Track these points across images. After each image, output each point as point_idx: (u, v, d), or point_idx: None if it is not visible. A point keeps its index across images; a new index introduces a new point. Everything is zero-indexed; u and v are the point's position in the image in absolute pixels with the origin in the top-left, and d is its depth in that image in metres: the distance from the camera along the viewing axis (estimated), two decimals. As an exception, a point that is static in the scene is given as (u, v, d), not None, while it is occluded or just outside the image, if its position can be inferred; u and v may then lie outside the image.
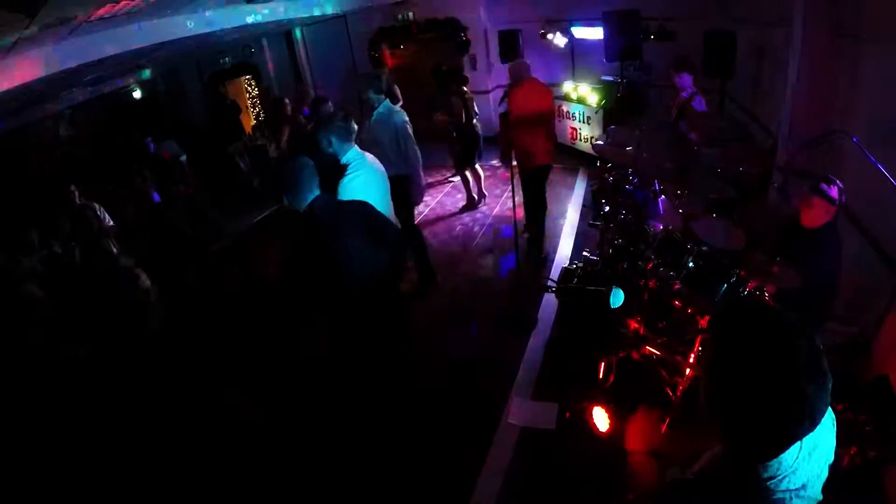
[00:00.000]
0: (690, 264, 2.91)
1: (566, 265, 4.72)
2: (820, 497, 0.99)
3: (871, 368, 2.71)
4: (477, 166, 6.30)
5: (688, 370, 2.88)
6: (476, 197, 6.50)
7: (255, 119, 10.06)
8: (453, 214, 6.38)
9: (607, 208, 4.09)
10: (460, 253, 5.45)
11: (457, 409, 3.33)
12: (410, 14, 8.43)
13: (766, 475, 0.92)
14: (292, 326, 4.14)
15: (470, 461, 2.95)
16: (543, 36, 7.48)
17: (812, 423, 0.84)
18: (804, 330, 0.86)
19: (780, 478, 0.92)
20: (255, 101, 10.24)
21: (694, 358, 2.88)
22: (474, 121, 6.02)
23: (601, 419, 2.83)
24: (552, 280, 4.55)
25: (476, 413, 3.29)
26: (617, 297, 3.05)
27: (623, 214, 3.85)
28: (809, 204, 2.61)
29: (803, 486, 0.94)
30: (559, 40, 7.35)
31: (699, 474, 1.04)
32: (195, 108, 9.08)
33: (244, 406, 3.55)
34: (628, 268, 3.56)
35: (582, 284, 4.03)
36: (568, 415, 3.08)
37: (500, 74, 8.43)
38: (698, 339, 2.88)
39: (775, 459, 0.91)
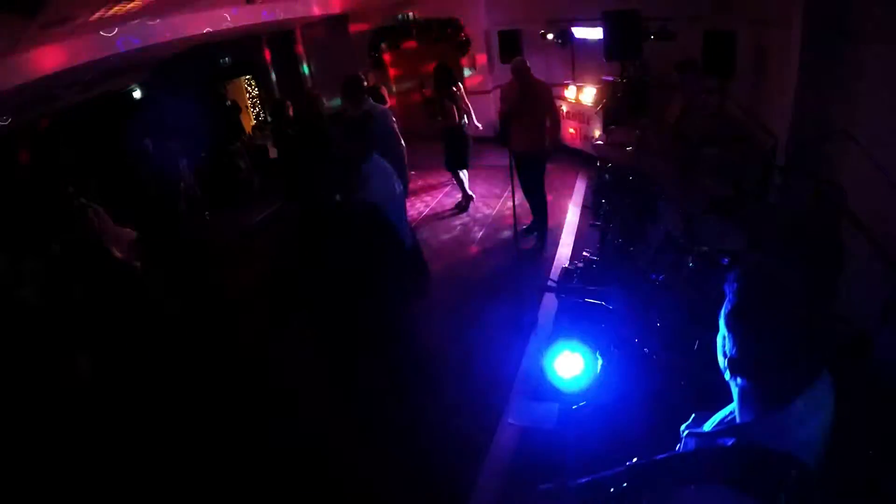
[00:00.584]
0: (690, 264, 2.91)
1: (566, 265, 4.73)
2: (822, 459, 1.06)
3: (871, 368, 2.71)
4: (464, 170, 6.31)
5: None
6: (473, 197, 6.51)
7: (255, 119, 10.06)
8: (453, 214, 6.39)
9: (607, 208, 4.10)
10: (460, 252, 5.45)
11: (457, 409, 3.32)
12: (410, 14, 8.43)
13: (779, 418, 1.01)
14: (291, 325, 4.14)
15: (470, 461, 2.95)
16: (543, 36, 7.48)
17: (816, 362, 0.99)
18: (805, 284, 1.00)
19: (792, 424, 1.00)
20: (255, 101, 10.23)
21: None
22: (465, 121, 5.99)
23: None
24: (552, 280, 4.56)
25: (476, 413, 3.29)
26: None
27: (623, 214, 3.85)
28: (817, 208, 2.63)
29: (811, 440, 1.02)
30: (559, 40, 7.35)
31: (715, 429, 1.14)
32: (195, 108, 9.06)
33: (241, 408, 3.54)
34: (628, 268, 3.56)
35: (582, 284, 4.04)
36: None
37: (501, 74, 8.44)
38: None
39: (787, 406, 1.00)
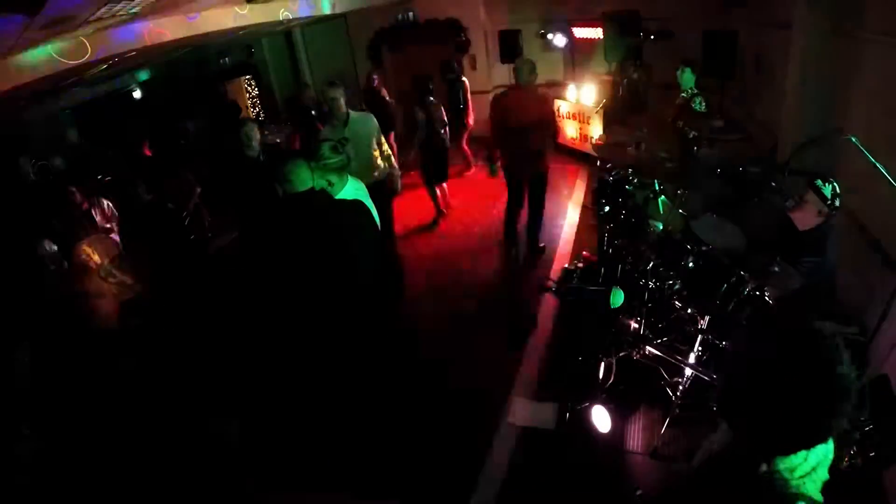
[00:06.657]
0: (690, 264, 2.91)
1: (566, 265, 4.74)
2: (827, 476, 1.02)
3: (870, 368, 2.71)
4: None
5: (688, 370, 2.88)
6: (444, 211, 6.22)
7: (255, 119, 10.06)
8: (453, 216, 6.37)
9: (607, 208, 4.09)
10: (460, 253, 5.44)
11: (457, 409, 3.33)
12: (410, 14, 8.43)
13: (784, 466, 0.96)
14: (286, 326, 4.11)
15: (470, 461, 2.95)
16: (543, 36, 7.49)
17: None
18: (839, 350, 0.90)
19: (797, 466, 0.96)
20: (255, 101, 10.23)
21: (694, 358, 2.89)
22: (442, 133, 5.75)
23: (601, 419, 2.84)
24: (552, 280, 4.56)
25: (476, 413, 3.29)
26: (617, 297, 3.05)
27: (623, 214, 3.85)
28: (802, 201, 2.64)
29: (814, 469, 0.98)
30: (559, 40, 7.36)
31: (707, 465, 1.08)
32: (195, 108, 9.05)
33: (237, 410, 3.53)
34: (628, 268, 3.56)
35: (582, 284, 4.05)
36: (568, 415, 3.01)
37: (501, 74, 8.45)
38: (698, 339, 2.89)
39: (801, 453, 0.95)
